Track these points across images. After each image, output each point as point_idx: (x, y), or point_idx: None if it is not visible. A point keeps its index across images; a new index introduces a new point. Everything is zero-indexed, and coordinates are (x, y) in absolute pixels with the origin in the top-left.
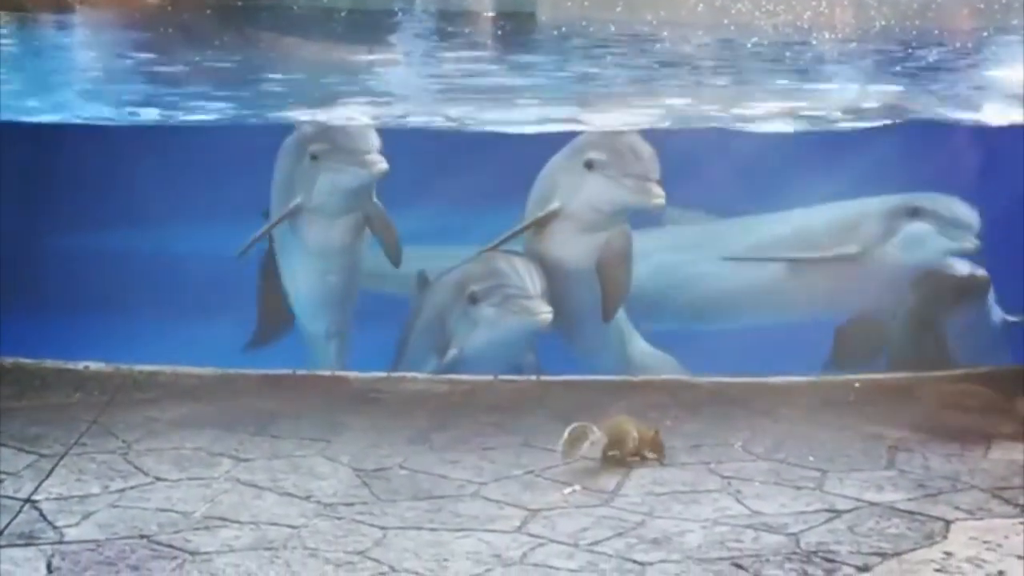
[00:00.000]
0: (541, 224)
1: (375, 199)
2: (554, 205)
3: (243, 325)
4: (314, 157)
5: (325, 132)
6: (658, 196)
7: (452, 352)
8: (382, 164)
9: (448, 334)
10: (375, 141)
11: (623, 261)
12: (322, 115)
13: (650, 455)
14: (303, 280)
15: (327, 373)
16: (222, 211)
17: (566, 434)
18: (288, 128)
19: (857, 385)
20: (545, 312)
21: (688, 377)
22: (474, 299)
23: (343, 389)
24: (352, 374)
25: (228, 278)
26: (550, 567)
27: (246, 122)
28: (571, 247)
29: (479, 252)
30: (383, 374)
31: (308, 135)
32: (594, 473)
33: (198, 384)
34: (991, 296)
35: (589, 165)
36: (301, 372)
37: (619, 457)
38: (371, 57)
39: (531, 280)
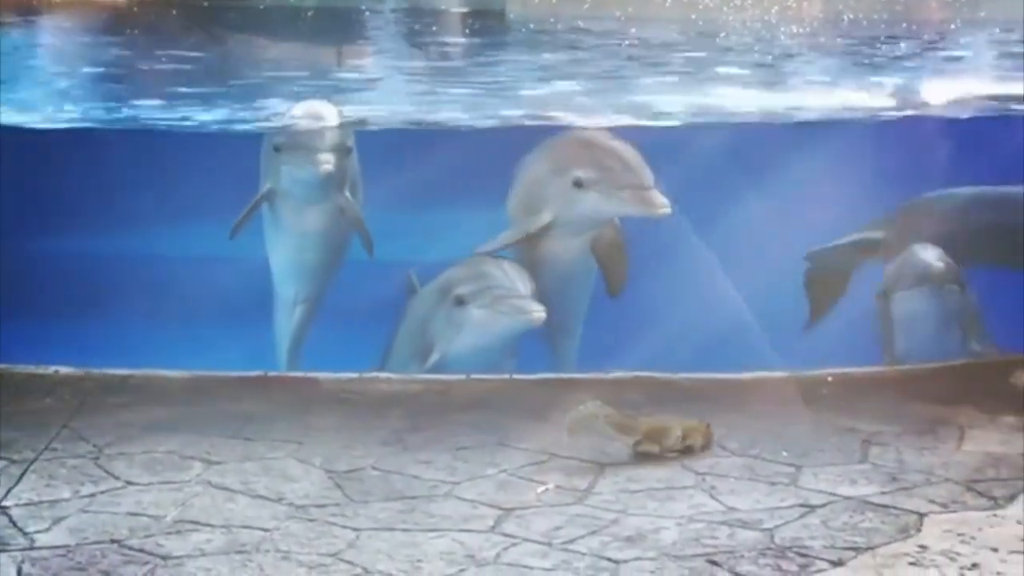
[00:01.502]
0: (532, 235)
1: (346, 192)
2: (546, 218)
3: (215, 327)
4: (277, 149)
5: (288, 128)
6: (662, 206)
7: (434, 357)
8: (327, 165)
9: (431, 339)
10: (331, 139)
11: (618, 242)
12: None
13: (698, 446)
14: (279, 253)
15: (299, 375)
16: (192, 214)
17: (570, 422)
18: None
19: (830, 379)
20: (538, 311)
21: (662, 374)
22: (461, 301)
23: (315, 390)
24: (324, 375)
25: (199, 281)
26: (524, 566)
27: (210, 125)
28: (562, 249)
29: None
30: (355, 375)
31: (276, 129)
32: (568, 471)
33: (170, 387)
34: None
35: (579, 184)
36: (273, 374)
37: (657, 452)
38: (337, 56)
39: (520, 281)
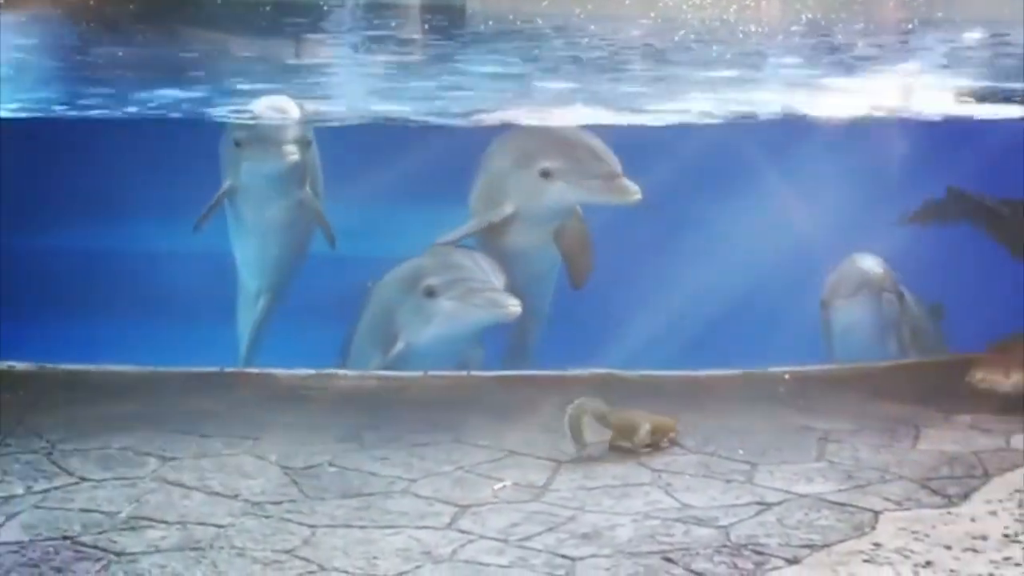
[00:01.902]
0: (494, 225)
1: (306, 187)
2: (508, 209)
3: (171, 323)
4: (238, 143)
5: (248, 122)
6: (633, 192)
7: (399, 346)
8: (290, 158)
9: (395, 329)
10: (292, 133)
11: (583, 233)
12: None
13: (665, 444)
14: (242, 247)
15: (256, 371)
16: (148, 208)
17: (567, 420)
18: (210, 124)
19: (787, 377)
20: (514, 305)
21: (619, 371)
22: (431, 293)
23: (272, 387)
24: (281, 371)
25: (155, 276)
26: (480, 563)
27: (167, 117)
28: (528, 240)
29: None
30: (312, 371)
31: (236, 124)
32: (524, 468)
33: (125, 383)
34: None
35: (546, 174)
36: (229, 370)
37: (630, 447)
38: (295, 49)
39: (494, 274)
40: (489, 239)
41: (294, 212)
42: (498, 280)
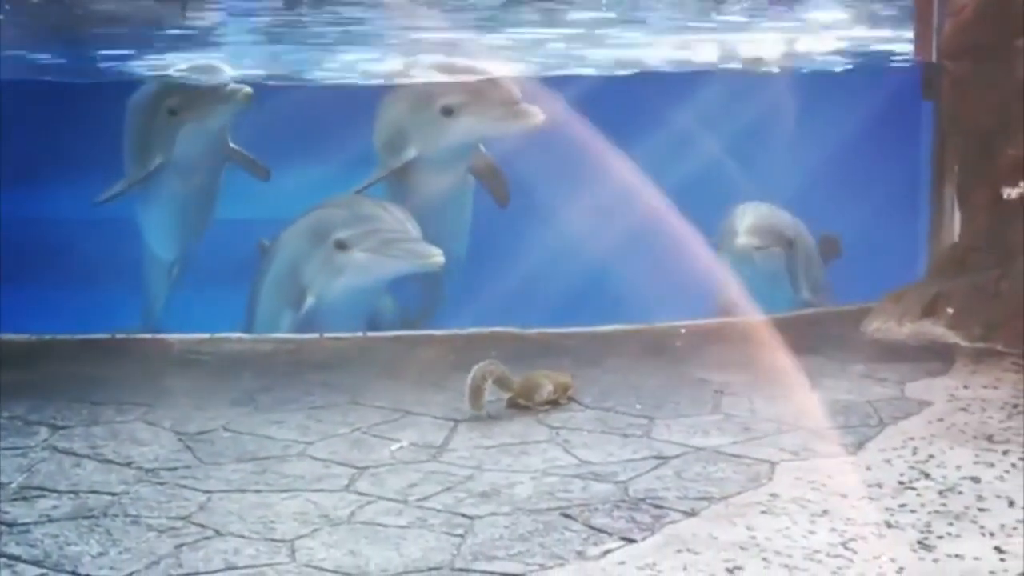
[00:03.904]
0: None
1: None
2: (410, 153)
3: (62, 290)
4: (173, 111)
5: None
6: (535, 115)
7: (309, 301)
8: (230, 114)
9: (304, 284)
10: (229, 92)
11: (491, 161)
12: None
13: (563, 400)
14: (163, 214)
15: (147, 336)
16: (46, 173)
17: (469, 383)
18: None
19: (683, 331)
20: (436, 255)
21: (517, 329)
22: (342, 245)
23: (164, 352)
24: (174, 336)
25: (47, 242)
26: (379, 524)
27: (79, 79)
28: (439, 182)
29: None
30: (206, 335)
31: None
32: (422, 428)
33: (14, 351)
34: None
35: (448, 111)
36: (120, 336)
37: (529, 406)
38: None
39: (409, 223)
40: (400, 186)
41: (221, 173)
42: (414, 229)
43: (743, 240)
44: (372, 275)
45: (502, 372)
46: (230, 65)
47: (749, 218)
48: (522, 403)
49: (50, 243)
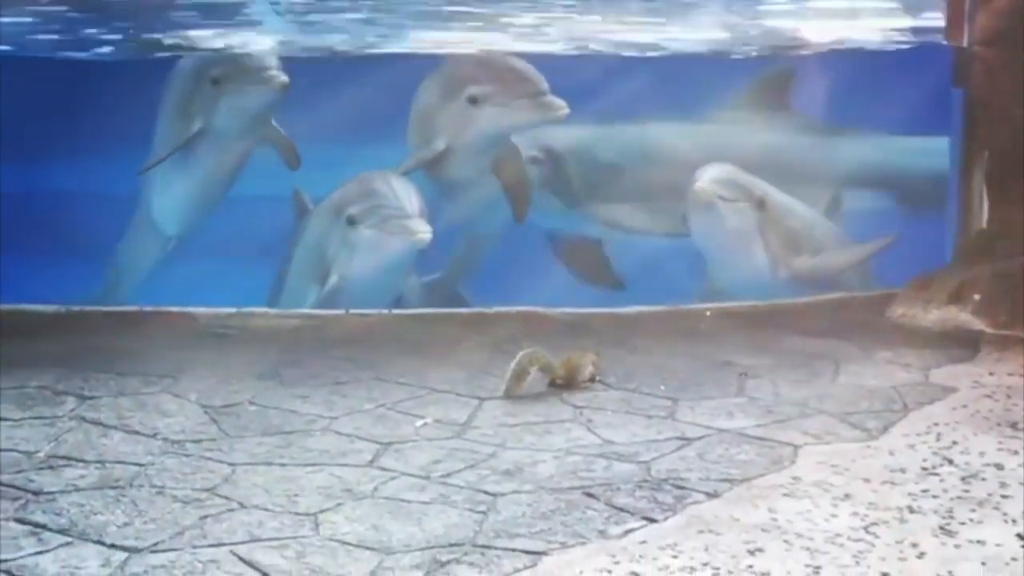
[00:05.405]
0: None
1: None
2: (440, 145)
3: (88, 263)
4: (216, 81)
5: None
6: (560, 107)
7: (332, 279)
8: (277, 86)
9: (327, 262)
10: (273, 62)
11: (521, 167)
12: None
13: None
14: (181, 187)
15: (175, 309)
16: (66, 147)
17: (514, 367)
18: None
19: (708, 313)
20: (424, 231)
21: (543, 308)
22: (352, 221)
23: (191, 325)
24: (200, 310)
25: (74, 215)
26: (402, 500)
27: (97, 56)
28: (467, 171)
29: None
30: (233, 310)
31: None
32: (446, 405)
33: (42, 322)
34: None
35: (473, 100)
36: (148, 309)
37: (570, 386)
38: None
39: (408, 199)
40: (431, 173)
41: (248, 154)
42: (412, 205)
43: (703, 185)
44: (378, 252)
45: (547, 360)
46: (278, 38)
47: (713, 170)
48: (560, 383)
49: (71, 216)
